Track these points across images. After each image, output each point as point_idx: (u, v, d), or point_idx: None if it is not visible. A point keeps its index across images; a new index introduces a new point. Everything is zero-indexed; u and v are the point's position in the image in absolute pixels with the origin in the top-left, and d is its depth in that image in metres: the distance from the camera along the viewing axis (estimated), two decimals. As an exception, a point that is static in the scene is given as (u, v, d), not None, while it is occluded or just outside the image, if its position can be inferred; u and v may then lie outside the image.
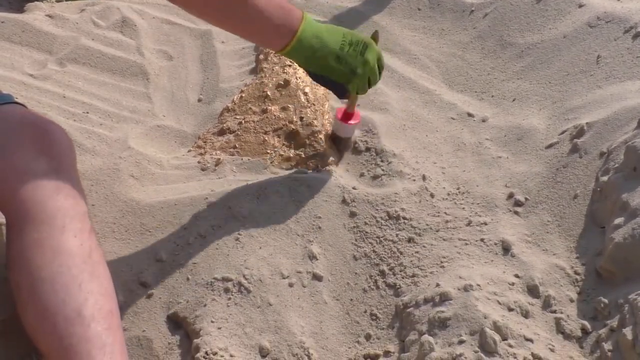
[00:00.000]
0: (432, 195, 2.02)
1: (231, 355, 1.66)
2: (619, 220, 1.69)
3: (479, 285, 1.70)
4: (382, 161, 2.15)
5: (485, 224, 1.93)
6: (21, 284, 1.50)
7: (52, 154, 1.63)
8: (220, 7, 1.72)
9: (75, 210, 1.59)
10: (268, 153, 2.17)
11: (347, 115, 2.16)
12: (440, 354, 1.57)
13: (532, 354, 1.54)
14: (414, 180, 2.06)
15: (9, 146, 1.60)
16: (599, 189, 1.86)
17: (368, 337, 1.77)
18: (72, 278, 1.48)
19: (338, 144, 2.23)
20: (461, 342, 1.58)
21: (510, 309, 1.66)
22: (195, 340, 1.71)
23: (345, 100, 2.14)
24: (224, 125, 2.30)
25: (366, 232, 1.94)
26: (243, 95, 2.38)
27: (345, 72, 1.87)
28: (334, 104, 2.44)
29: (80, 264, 1.51)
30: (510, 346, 1.55)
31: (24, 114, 1.69)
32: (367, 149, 2.20)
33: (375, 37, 1.96)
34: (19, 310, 1.51)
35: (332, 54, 1.84)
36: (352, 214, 1.97)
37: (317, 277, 1.86)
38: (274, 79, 2.38)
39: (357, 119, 2.17)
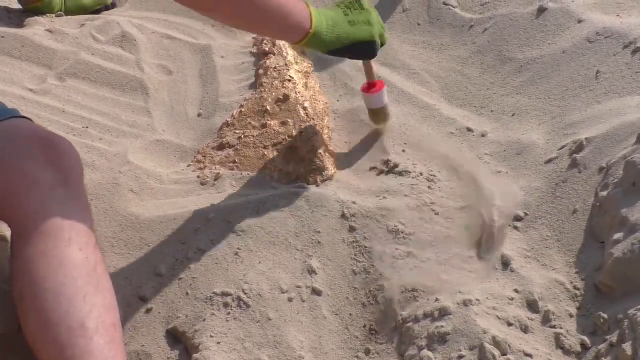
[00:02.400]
0: (431, 210, 2.02)
1: (230, 370, 1.67)
2: (618, 236, 1.69)
3: (478, 300, 1.70)
4: (381, 176, 2.15)
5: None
6: (24, 294, 1.50)
7: (60, 167, 1.64)
8: (247, 6, 1.79)
9: (81, 224, 1.59)
10: (267, 168, 2.18)
11: (371, 85, 2.26)
12: (439, 369, 1.57)
13: (532, 369, 1.55)
14: (414, 194, 2.06)
15: (18, 158, 1.61)
16: (598, 204, 1.86)
17: (367, 352, 1.76)
18: (77, 290, 1.48)
19: (376, 118, 2.33)
20: (460, 357, 1.58)
21: (509, 324, 1.66)
22: (194, 355, 1.71)
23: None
24: (224, 140, 2.30)
25: (366, 247, 1.93)
26: (243, 110, 2.38)
27: (365, 27, 1.99)
28: (334, 121, 2.44)
29: (85, 277, 1.51)
30: (510, 361, 1.56)
31: (33, 128, 1.71)
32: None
33: None
34: (20, 320, 1.52)
35: (345, 22, 1.97)
36: (352, 229, 1.97)
37: (316, 292, 1.85)
38: (274, 93, 2.38)
39: (381, 85, 2.27)
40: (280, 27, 1.88)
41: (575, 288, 1.76)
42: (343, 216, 2.00)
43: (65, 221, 1.57)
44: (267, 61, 2.60)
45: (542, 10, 2.64)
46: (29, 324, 1.49)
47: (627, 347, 1.47)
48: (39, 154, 1.63)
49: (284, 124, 2.27)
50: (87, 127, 2.39)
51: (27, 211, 1.56)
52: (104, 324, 1.48)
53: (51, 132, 1.76)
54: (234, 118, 2.38)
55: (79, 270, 1.52)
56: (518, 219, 1.98)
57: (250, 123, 2.32)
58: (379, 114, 2.31)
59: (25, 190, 1.58)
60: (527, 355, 1.57)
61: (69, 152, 1.69)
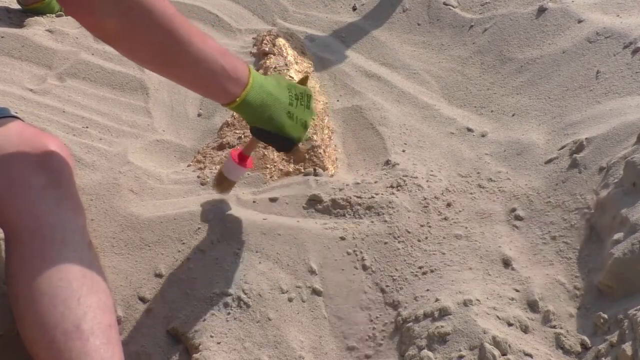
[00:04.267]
0: (432, 210, 2.02)
1: (230, 370, 1.67)
2: (618, 236, 1.69)
3: (478, 300, 1.70)
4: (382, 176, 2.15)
5: (485, 238, 1.93)
6: (20, 298, 1.50)
7: (50, 168, 1.63)
8: (160, 54, 1.53)
9: (74, 223, 1.59)
10: (267, 168, 2.17)
11: (243, 158, 1.91)
12: (439, 369, 1.57)
13: (532, 369, 1.55)
14: (414, 194, 2.06)
15: (8, 160, 1.60)
16: (598, 204, 1.86)
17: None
18: (72, 292, 1.48)
19: (220, 186, 1.97)
20: (460, 357, 1.57)
21: (509, 324, 1.66)
22: (194, 355, 1.71)
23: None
24: (224, 139, 2.30)
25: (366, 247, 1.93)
26: (243, 110, 2.38)
27: (298, 127, 1.77)
28: (334, 121, 2.44)
29: (79, 278, 1.51)
30: (510, 361, 1.55)
31: (21, 128, 1.70)
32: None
33: (305, 80, 1.91)
34: (17, 323, 1.51)
35: (284, 110, 1.73)
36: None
37: (316, 292, 1.85)
38: (274, 93, 2.38)
39: (250, 165, 1.95)
40: (205, 83, 1.62)
41: (575, 288, 1.76)
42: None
43: (58, 222, 1.57)
44: (267, 61, 2.60)
45: (542, 10, 2.64)
46: (26, 327, 1.49)
47: (627, 347, 1.47)
48: (29, 155, 1.62)
49: (283, 124, 2.27)
50: (87, 127, 2.39)
51: (18, 214, 1.56)
52: (99, 325, 1.48)
53: (40, 131, 1.75)
54: (234, 118, 2.38)
55: (72, 271, 1.52)
56: (518, 218, 1.98)
57: (250, 123, 2.32)
58: (224, 184, 1.96)
59: (16, 192, 1.58)
60: (527, 355, 1.57)
61: (59, 152, 1.69)
